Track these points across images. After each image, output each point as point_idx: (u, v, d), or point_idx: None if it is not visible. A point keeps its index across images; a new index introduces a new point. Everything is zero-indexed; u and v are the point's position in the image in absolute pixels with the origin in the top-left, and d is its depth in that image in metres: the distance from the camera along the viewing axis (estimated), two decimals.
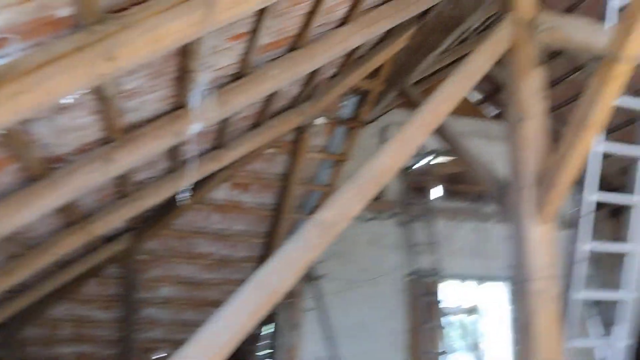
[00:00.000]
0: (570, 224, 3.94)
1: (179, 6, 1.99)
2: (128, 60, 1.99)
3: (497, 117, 8.91)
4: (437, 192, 8.38)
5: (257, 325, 6.81)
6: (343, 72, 4.58)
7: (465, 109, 8.79)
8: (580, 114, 2.73)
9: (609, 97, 2.66)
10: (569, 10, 6.90)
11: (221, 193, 5.29)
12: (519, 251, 3.00)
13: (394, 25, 3.91)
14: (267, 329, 7.18)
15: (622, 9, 3.29)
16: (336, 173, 5.40)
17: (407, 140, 2.92)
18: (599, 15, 4.13)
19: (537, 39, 3.11)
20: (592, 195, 3.59)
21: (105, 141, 2.99)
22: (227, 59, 3.04)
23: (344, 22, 3.53)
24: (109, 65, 1.92)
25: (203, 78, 2.59)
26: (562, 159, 2.81)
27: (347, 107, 5.04)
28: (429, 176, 8.11)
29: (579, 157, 2.79)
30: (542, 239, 2.95)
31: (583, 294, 3.71)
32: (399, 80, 4.87)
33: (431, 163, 8.16)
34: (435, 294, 7.52)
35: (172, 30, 2.01)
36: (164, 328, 6.46)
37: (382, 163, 2.89)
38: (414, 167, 8.11)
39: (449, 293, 7.86)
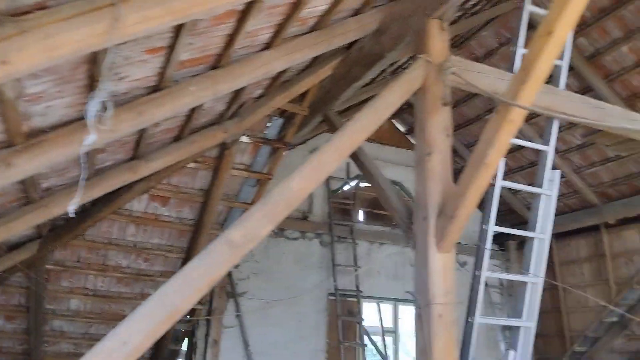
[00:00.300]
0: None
1: (82, 16, 1.97)
2: (22, 65, 1.94)
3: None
4: (360, 215, 8.60)
5: (174, 341, 6.70)
6: (269, 93, 4.65)
7: (394, 138, 9.15)
8: (479, 152, 2.94)
9: (504, 138, 2.88)
10: (487, 55, 7.45)
11: (139, 205, 5.16)
12: (421, 277, 3.15)
13: (318, 54, 4.04)
14: (185, 345, 7.01)
15: None
16: (259, 191, 5.43)
17: (319, 165, 3.01)
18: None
19: (445, 81, 3.32)
20: (490, 227, 3.83)
21: (6, 145, 2.86)
22: (143, 71, 3.02)
23: (267, 46, 3.60)
24: (2, 68, 1.87)
25: (104, 88, 2.54)
26: (461, 192, 3.00)
27: (272, 128, 5.09)
28: (353, 200, 8.33)
29: (477, 192, 2.99)
30: (442, 266, 3.10)
31: (482, 319, 3.92)
32: (323, 107, 5.00)
33: (356, 187, 8.38)
34: (355, 314, 7.66)
35: (72, 39, 1.98)
36: (72, 341, 6.15)
37: (293, 186, 2.95)
38: (340, 190, 8.30)
39: (369, 313, 8.02)
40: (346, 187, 8.47)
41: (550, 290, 8.12)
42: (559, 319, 8.44)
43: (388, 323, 8.21)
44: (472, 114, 8.41)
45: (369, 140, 8.33)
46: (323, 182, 8.07)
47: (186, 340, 6.96)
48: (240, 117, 4.65)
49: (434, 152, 3.27)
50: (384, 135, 8.92)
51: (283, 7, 3.22)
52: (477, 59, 7.60)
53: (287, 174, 2.98)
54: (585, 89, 6.89)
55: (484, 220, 3.90)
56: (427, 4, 3.57)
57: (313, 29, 3.82)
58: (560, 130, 7.52)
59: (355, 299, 7.71)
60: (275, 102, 4.67)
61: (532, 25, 6.30)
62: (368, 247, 8.29)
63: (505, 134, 2.86)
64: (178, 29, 2.70)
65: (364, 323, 7.72)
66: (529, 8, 4.30)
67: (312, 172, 2.99)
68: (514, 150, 7.83)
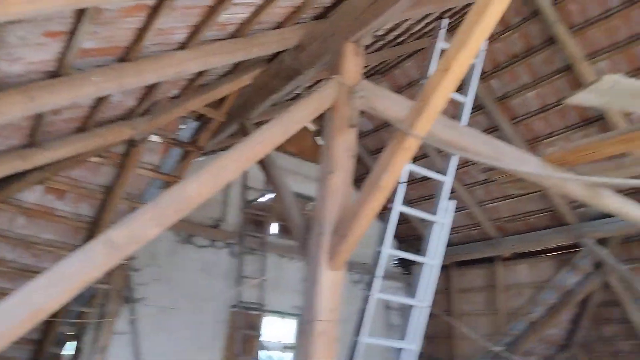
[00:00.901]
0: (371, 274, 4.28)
1: None
2: None
3: None
4: (274, 228, 8.57)
5: (57, 344, 6.26)
6: (185, 94, 4.56)
7: (316, 155, 9.23)
8: (374, 176, 3.04)
9: (398, 164, 3.00)
10: (409, 86, 7.79)
11: (32, 196, 4.83)
12: (309, 292, 3.16)
13: (237, 61, 4.02)
14: (69, 349, 6.58)
15: None
16: None
17: (218, 172, 2.96)
18: None
19: (354, 103, 3.42)
20: (384, 250, 3.96)
21: None
22: (41, 55, 2.86)
23: (182, 46, 3.54)
24: None
25: None
26: (355, 213, 3.07)
27: (186, 131, 4.99)
28: (269, 212, 8.29)
29: (370, 213, 3.07)
30: (330, 283, 3.14)
31: (369, 339, 4.00)
32: (241, 115, 4.97)
33: (273, 200, 8.37)
34: (256, 327, 7.58)
35: None
36: None
37: (188, 190, 2.88)
38: (256, 201, 8.25)
39: (270, 328, 7.96)
40: (263, 199, 8.43)
41: (445, 316, 8.50)
42: (451, 345, 8.82)
43: (291, 338, 8.20)
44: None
45: (289, 154, 8.52)
46: (240, 190, 8.03)
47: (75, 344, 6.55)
48: (152, 115, 4.51)
49: (336, 170, 3.33)
50: (306, 151, 9.01)
51: (199, 9, 3.18)
52: (399, 88, 7.92)
53: None
54: (493, 128, 7.35)
55: (380, 243, 4.02)
56: (347, 26, 3.68)
57: (233, 36, 3.81)
58: (468, 164, 8.00)
59: (257, 312, 7.63)
60: (191, 104, 4.58)
61: None
62: (278, 261, 8.26)
63: (399, 160, 2.97)
64: (79, 15, 2.58)
65: (264, 337, 7.65)
66: (440, 44, 4.54)
67: (211, 178, 2.94)
68: (424, 180, 8.17)
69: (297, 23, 4.09)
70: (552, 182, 4.62)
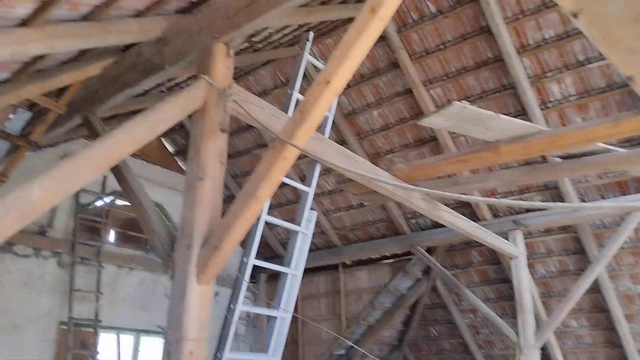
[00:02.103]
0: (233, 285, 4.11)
1: None
2: None
3: (177, 153, 9.09)
4: (111, 235, 7.82)
5: None
6: (18, 80, 3.90)
7: (162, 158, 8.70)
8: (250, 185, 2.91)
9: (277, 174, 2.92)
10: (262, 94, 7.79)
11: None
12: (176, 310, 2.89)
13: (87, 47, 3.56)
14: None
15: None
16: None
17: (70, 175, 2.55)
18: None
19: (226, 107, 3.25)
20: (250, 260, 3.84)
21: None
22: None
23: (24, 23, 3.01)
24: None
25: None
26: (228, 223, 2.90)
27: (16, 121, 4.27)
28: (106, 217, 7.52)
29: (244, 225, 2.93)
30: (199, 299, 2.91)
31: (231, 355, 3.83)
32: (85, 108, 4.40)
33: (111, 204, 7.63)
34: (90, 346, 6.78)
35: None
36: None
37: (33, 196, 2.43)
38: (92, 205, 7.43)
39: (107, 345, 7.20)
40: (99, 203, 7.62)
41: (291, 322, 8.65)
42: (296, 350, 8.99)
43: (128, 356, 7.51)
44: (242, 146, 8.61)
45: (133, 155, 7.86)
46: (73, 193, 7.14)
47: None
48: None
49: (206, 177, 3.12)
50: (151, 153, 8.42)
51: None
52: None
53: (27, 179, 2.45)
54: (341, 142, 7.71)
55: (246, 253, 3.89)
56: (217, 25, 3.49)
57: (85, 18, 3.36)
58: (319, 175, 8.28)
59: (92, 329, 6.85)
60: (25, 92, 3.93)
61: (305, 75, 6.90)
62: (116, 272, 7.54)
63: (278, 170, 2.89)
64: None
65: (101, 357, 6.89)
66: (307, 57, 4.61)
67: (60, 181, 2.52)
68: (280, 187, 8.24)
69: (159, 14, 3.78)
70: (401, 196, 4.98)
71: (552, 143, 4.14)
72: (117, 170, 3.82)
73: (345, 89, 7.29)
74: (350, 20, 6.30)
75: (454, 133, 6.83)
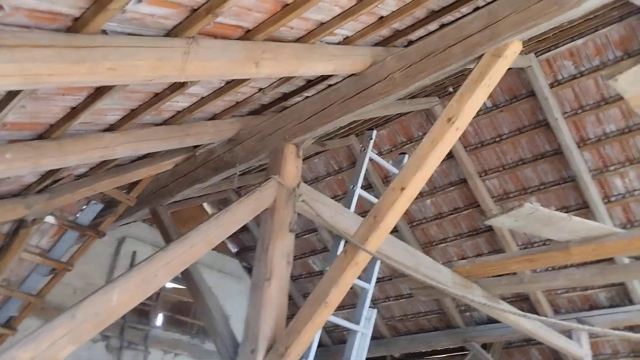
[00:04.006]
0: None
1: None
2: None
3: (238, 253, 9.11)
4: (159, 319, 7.78)
5: None
6: (95, 174, 4.10)
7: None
8: (320, 290, 2.87)
9: (348, 279, 2.88)
10: (314, 181, 7.89)
11: None
12: None
13: (167, 149, 3.75)
14: None
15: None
16: (52, 283, 4.54)
17: (146, 279, 2.58)
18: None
19: (295, 206, 3.30)
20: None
21: None
22: None
23: (111, 128, 3.21)
24: None
25: None
26: (296, 329, 2.84)
27: (87, 213, 4.43)
28: (156, 300, 7.54)
29: (312, 331, 2.86)
30: None
31: None
32: (154, 200, 4.56)
33: (161, 287, 7.67)
34: None
35: None
36: None
37: (108, 301, 2.46)
38: None
39: None
40: None
41: None
42: None
43: None
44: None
45: None
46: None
47: None
48: (51, 193, 3.96)
49: (273, 277, 3.10)
50: None
51: (142, 95, 2.92)
52: (305, 181, 7.98)
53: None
54: (393, 230, 7.58)
55: (304, 354, 3.75)
56: (289, 128, 3.63)
57: (166, 122, 3.56)
58: None
59: None
60: (100, 186, 4.11)
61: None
62: (161, 357, 7.43)
63: (350, 275, 2.85)
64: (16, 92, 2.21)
65: None
66: (368, 154, 4.68)
67: (138, 286, 2.55)
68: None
69: (234, 116, 3.97)
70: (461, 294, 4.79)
71: (628, 245, 3.96)
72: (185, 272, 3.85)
73: None
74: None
75: None
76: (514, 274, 5.99)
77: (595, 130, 5.88)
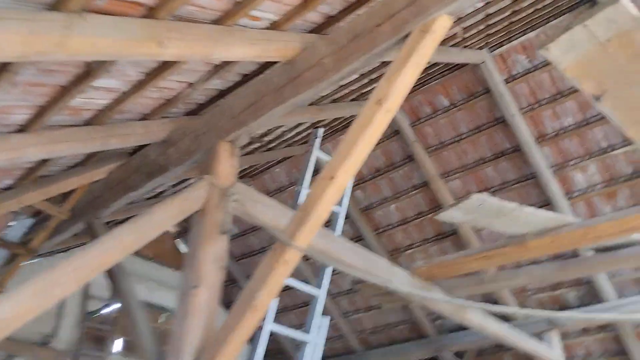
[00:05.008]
0: None
1: None
2: None
3: None
4: (117, 344, 7.37)
5: None
6: (21, 186, 3.82)
7: (175, 260, 8.44)
8: (248, 293, 2.63)
9: (277, 279, 2.64)
10: (278, 191, 7.67)
11: None
12: None
13: (90, 152, 3.49)
14: None
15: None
16: None
17: (45, 288, 2.31)
18: None
19: (227, 207, 3.06)
20: None
21: None
22: None
23: (22, 129, 2.95)
24: None
25: None
26: (222, 338, 2.58)
27: (16, 229, 4.13)
28: (114, 325, 7.14)
29: (241, 338, 2.61)
30: None
31: None
32: (89, 213, 4.27)
33: (119, 310, 7.28)
34: None
35: None
36: None
37: (4, 312, 2.18)
38: (97, 313, 7.09)
39: None
40: (107, 309, 7.27)
41: None
42: None
43: None
44: (258, 245, 8.33)
45: (145, 257, 7.64)
46: (80, 300, 6.84)
47: None
48: None
49: (201, 285, 2.85)
50: (165, 255, 8.19)
51: (46, 88, 2.68)
52: (268, 193, 7.74)
53: None
54: (357, 238, 7.40)
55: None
56: (222, 124, 3.41)
57: (88, 123, 3.31)
58: (335, 273, 7.87)
59: None
60: (27, 198, 3.83)
61: (317, 171, 6.79)
62: None
63: (278, 274, 2.62)
64: None
65: None
66: (316, 153, 4.50)
67: (36, 295, 2.28)
68: (289, 288, 7.84)
69: (166, 117, 3.73)
70: (420, 298, 4.58)
71: (584, 236, 3.80)
72: (111, 273, 3.57)
73: (360, 183, 7.13)
74: None
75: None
76: (476, 274, 5.81)
77: (553, 124, 5.79)
